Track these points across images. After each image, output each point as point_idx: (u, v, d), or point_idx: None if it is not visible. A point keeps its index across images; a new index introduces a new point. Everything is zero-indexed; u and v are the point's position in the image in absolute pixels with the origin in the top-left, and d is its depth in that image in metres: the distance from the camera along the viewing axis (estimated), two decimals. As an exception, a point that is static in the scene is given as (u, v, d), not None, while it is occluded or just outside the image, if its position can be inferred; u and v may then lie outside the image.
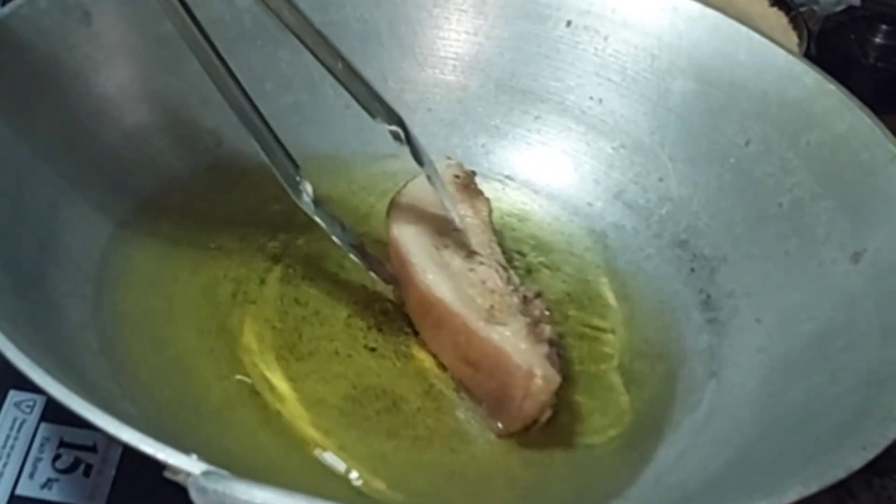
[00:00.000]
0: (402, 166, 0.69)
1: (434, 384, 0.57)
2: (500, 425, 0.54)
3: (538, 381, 0.52)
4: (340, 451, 0.53)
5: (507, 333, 0.53)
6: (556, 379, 0.52)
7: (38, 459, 0.54)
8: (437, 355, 0.57)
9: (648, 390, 0.59)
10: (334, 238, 0.58)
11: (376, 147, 0.70)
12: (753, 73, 0.65)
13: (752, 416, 0.54)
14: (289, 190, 0.56)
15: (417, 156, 0.57)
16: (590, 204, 0.69)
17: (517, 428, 0.54)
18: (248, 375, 0.55)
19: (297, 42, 0.69)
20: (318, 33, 0.56)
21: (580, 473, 0.54)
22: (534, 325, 0.54)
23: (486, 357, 0.54)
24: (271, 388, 0.55)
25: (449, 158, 0.66)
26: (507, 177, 0.70)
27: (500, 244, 0.62)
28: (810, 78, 0.63)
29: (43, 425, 0.56)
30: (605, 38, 0.69)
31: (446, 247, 0.59)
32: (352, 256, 0.59)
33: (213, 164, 0.66)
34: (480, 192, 0.64)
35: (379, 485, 0.52)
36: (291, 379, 0.56)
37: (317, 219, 0.57)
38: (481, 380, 0.54)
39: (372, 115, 0.56)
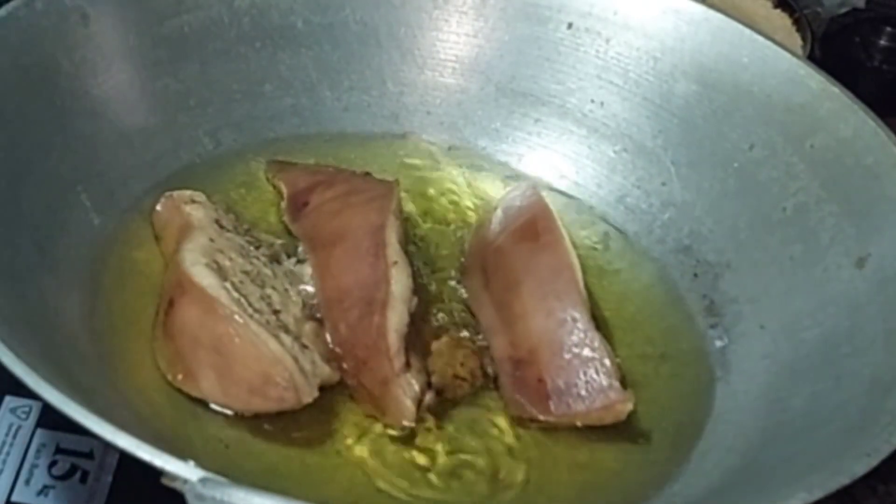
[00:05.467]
0: (400, 168, 0.69)
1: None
2: None
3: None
4: (337, 457, 0.53)
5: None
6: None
7: (34, 466, 0.54)
8: None
9: (651, 392, 0.58)
10: None
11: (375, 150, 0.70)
12: (757, 76, 0.65)
13: (756, 423, 0.54)
14: None
15: None
16: (591, 208, 0.68)
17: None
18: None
19: (296, 46, 0.70)
20: None
21: (582, 477, 0.54)
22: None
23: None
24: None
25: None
26: (508, 178, 0.70)
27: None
28: (814, 81, 0.63)
29: (39, 431, 0.55)
30: (607, 41, 0.69)
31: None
32: None
33: (212, 166, 0.66)
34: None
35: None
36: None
37: None
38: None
39: None
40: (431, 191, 0.69)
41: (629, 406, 0.55)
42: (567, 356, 0.56)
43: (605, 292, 0.64)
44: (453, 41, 0.72)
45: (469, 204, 0.69)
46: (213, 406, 0.52)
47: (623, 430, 0.56)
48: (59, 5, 0.60)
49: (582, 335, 0.57)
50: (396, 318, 0.55)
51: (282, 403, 0.52)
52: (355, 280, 0.57)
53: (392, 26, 0.71)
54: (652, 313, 0.63)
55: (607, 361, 0.56)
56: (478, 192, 0.69)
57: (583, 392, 0.55)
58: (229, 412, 0.52)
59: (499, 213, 0.65)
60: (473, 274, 0.63)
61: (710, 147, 0.66)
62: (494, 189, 0.69)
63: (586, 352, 0.56)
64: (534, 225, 0.63)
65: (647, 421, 0.57)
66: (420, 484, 0.52)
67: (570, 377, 0.56)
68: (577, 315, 0.58)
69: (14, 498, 0.53)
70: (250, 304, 0.53)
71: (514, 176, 0.70)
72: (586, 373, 0.56)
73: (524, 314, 0.59)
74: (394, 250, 0.58)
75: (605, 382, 0.55)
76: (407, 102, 0.71)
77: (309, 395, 0.52)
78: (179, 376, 0.53)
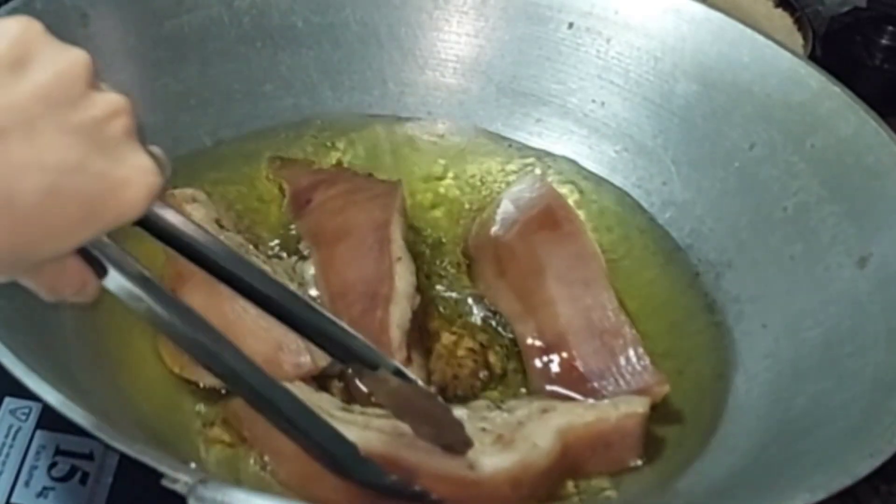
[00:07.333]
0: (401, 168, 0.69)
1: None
2: None
3: None
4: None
5: None
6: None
7: (33, 467, 0.54)
8: None
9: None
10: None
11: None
12: (758, 76, 0.65)
13: (759, 422, 0.53)
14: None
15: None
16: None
17: None
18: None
19: (297, 46, 0.69)
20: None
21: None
22: None
23: None
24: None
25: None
26: (510, 178, 0.70)
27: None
28: (815, 80, 0.63)
29: (39, 433, 0.55)
30: (608, 41, 0.69)
31: None
32: None
33: (212, 165, 0.66)
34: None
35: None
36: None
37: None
38: None
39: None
40: (432, 191, 0.69)
41: (666, 388, 0.55)
42: (599, 341, 0.57)
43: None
44: (454, 41, 0.72)
45: (471, 203, 0.68)
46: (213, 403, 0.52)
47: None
48: (59, 5, 0.60)
49: (613, 320, 0.57)
50: (399, 314, 0.55)
51: (298, 370, 0.52)
52: (359, 275, 0.57)
53: (393, 26, 0.71)
54: (654, 312, 0.63)
55: (640, 347, 0.56)
56: (479, 190, 0.69)
57: (619, 375, 0.56)
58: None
59: (506, 205, 0.64)
60: (484, 265, 0.63)
61: (710, 146, 0.66)
62: (496, 188, 0.69)
63: (619, 337, 0.57)
64: (551, 214, 0.63)
65: (648, 420, 0.57)
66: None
67: (605, 361, 0.56)
68: (605, 301, 0.58)
69: (14, 499, 0.52)
70: None
71: (515, 175, 0.70)
72: (622, 356, 0.56)
73: (550, 301, 0.59)
74: (398, 247, 0.59)
75: (640, 366, 0.56)
76: (408, 102, 0.71)
77: (323, 358, 0.52)
78: (186, 367, 0.53)
